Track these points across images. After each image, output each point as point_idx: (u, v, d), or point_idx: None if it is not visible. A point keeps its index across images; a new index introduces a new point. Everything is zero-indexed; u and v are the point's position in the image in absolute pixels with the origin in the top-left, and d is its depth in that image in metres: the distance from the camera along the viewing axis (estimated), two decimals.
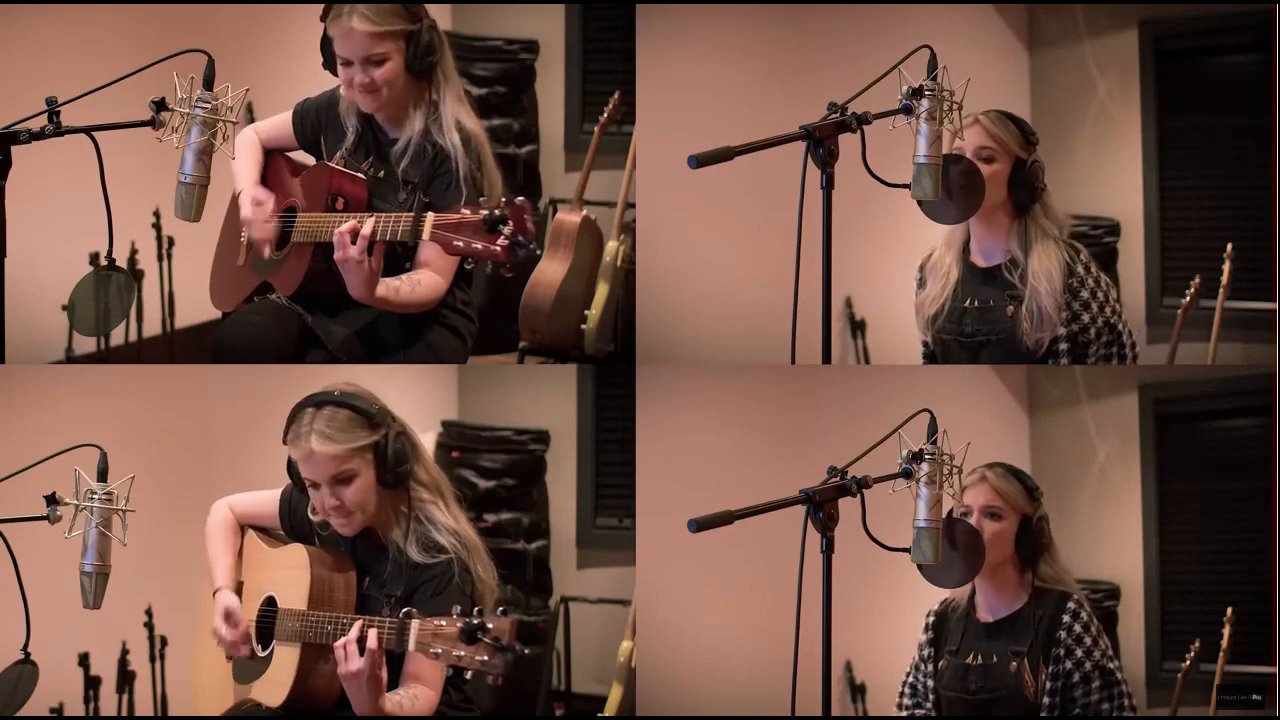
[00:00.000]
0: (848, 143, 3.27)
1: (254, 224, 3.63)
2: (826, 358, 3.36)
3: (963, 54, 3.57)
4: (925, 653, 3.76)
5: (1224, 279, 4.59)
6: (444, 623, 2.89)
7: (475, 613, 2.88)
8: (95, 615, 3.21)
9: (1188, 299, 4.62)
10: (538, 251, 3.09)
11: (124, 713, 4.54)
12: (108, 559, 3.15)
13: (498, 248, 3.08)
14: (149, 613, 4.57)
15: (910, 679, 3.80)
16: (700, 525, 3.08)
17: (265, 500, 3.49)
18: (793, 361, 3.37)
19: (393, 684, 3.16)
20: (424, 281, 3.31)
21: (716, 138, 3.25)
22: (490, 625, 2.85)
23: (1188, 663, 4.46)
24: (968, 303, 3.77)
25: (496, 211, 3.08)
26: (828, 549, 3.13)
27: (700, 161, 3.19)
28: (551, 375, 5.16)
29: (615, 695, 4.46)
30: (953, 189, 3.52)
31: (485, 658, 2.84)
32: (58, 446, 3.16)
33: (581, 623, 5.03)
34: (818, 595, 3.14)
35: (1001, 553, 3.62)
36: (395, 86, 3.56)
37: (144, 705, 4.57)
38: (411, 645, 2.94)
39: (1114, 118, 5.30)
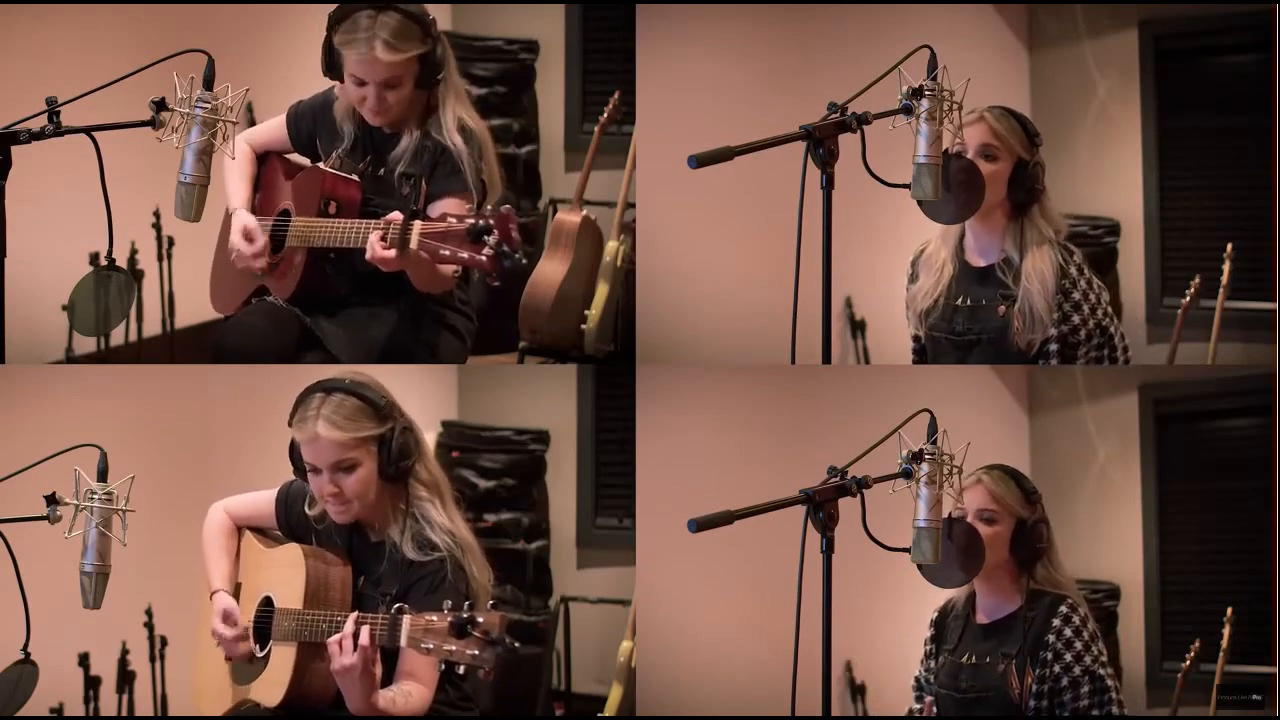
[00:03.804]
0: (848, 143, 3.27)
1: (242, 258, 3.63)
2: (826, 358, 3.36)
3: (963, 54, 3.57)
4: (928, 648, 3.78)
5: (1224, 279, 4.59)
6: (435, 618, 2.90)
7: (466, 607, 2.89)
8: (95, 615, 3.20)
9: (1188, 299, 4.62)
10: (524, 261, 3.07)
11: (124, 713, 4.54)
12: (108, 559, 3.15)
13: (483, 257, 3.08)
14: (149, 613, 4.57)
15: (917, 673, 3.83)
16: (700, 525, 3.08)
17: (261, 501, 3.49)
18: (793, 361, 3.37)
19: (389, 683, 3.17)
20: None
21: (716, 138, 3.25)
22: (480, 619, 2.86)
23: (1188, 663, 4.46)
24: (960, 300, 3.77)
25: (481, 221, 3.08)
26: (828, 549, 3.13)
27: (700, 161, 3.19)
28: (551, 375, 5.16)
29: (615, 695, 4.47)
30: (953, 188, 3.52)
31: (476, 652, 2.85)
32: (58, 446, 3.15)
33: (581, 623, 5.03)
34: (818, 595, 3.14)
35: (997, 556, 3.61)
36: (405, 105, 3.56)
37: (144, 705, 4.57)
38: (403, 640, 2.94)
39: (1114, 118, 5.30)
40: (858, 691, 4.94)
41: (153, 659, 4.57)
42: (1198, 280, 4.64)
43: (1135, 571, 5.13)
